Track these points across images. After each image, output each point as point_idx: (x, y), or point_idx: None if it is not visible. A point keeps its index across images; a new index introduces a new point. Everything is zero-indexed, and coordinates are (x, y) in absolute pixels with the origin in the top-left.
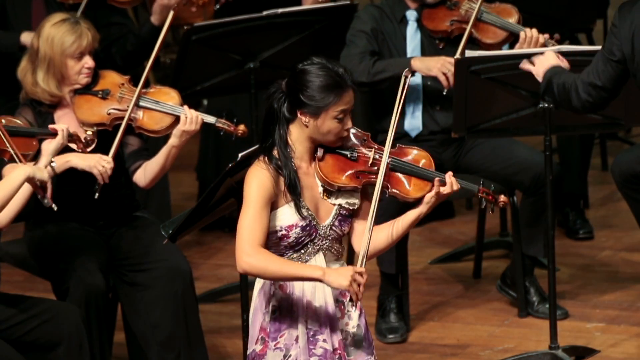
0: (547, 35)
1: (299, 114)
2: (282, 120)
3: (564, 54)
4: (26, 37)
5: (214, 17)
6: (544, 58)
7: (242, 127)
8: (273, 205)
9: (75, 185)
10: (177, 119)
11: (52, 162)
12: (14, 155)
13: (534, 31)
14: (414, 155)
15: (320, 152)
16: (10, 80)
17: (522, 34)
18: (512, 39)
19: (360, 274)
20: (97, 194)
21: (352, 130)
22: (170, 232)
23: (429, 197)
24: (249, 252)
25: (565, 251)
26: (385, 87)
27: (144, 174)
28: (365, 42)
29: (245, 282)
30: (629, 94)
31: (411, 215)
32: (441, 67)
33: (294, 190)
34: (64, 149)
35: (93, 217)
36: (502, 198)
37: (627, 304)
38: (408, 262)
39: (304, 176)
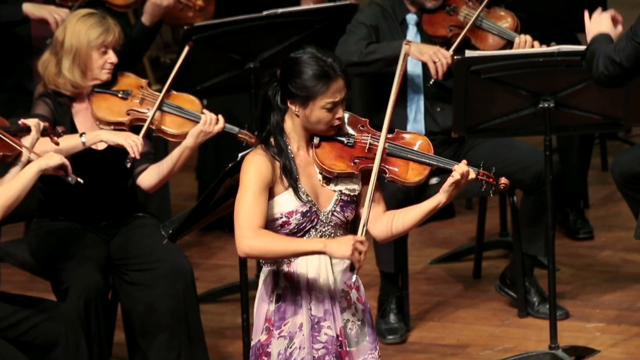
0: (544, 45)
1: (289, 104)
2: (276, 109)
3: (564, 54)
4: (28, 7)
5: (214, 17)
6: (599, 20)
7: None
8: (272, 194)
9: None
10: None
11: (82, 135)
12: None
13: (528, 37)
14: (412, 139)
15: (316, 140)
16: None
17: (516, 40)
18: (510, 46)
19: (362, 242)
20: (129, 164)
21: (348, 116)
22: (170, 232)
23: (447, 187)
24: (249, 235)
25: (565, 251)
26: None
27: (150, 176)
28: (365, 33)
29: (245, 282)
30: (629, 94)
31: (430, 203)
32: (433, 54)
33: (290, 174)
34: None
35: (95, 217)
36: (503, 180)
37: (627, 304)
38: (408, 262)
39: (302, 164)
